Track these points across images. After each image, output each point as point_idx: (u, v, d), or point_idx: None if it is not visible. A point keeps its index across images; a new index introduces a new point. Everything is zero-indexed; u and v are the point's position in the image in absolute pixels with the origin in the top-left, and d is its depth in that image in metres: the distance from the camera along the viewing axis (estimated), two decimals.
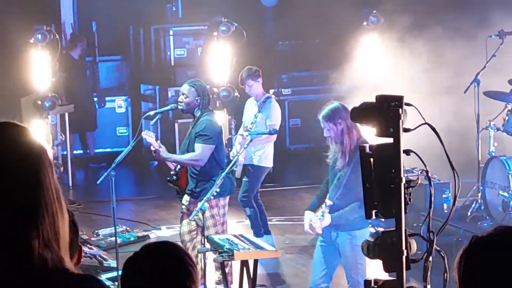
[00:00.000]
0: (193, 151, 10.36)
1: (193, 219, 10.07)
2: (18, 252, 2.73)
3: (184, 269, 3.68)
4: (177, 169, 10.50)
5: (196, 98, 10.44)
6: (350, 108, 6.47)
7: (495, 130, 12.38)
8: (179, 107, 10.66)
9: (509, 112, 12.22)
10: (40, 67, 14.33)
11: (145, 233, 13.04)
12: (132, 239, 12.49)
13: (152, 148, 10.36)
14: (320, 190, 9.56)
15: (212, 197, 10.05)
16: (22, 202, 2.74)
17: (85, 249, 10.47)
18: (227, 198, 10.62)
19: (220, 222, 10.39)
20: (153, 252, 3.77)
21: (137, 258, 3.73)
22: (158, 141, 10.35)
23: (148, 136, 10.40)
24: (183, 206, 10.52)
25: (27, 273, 2.72)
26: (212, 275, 10.34)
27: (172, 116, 13.57)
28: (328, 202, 9.04)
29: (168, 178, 10.68)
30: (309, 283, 9.49)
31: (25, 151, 2.80)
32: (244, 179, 12.23)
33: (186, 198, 10.43)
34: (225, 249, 8.84)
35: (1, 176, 2.75)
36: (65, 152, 16.22)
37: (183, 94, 10.54)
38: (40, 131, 14.27)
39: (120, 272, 10.32)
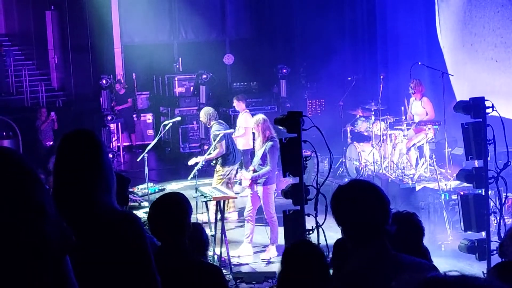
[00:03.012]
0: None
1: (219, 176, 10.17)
2: (91, 196, 2.71)
3: (185, 206, 3.58)
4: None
5: (207, 118, 10.25)
6: (273, 118, 6.53)
7: (351, 128, 12.46)
8: (205, 125, 10.65)
9: (357, 119, 12.32)
10: (104, 98, 14.34)
11: (163, 187, 12.95)
12: (156, 190, 12.42)
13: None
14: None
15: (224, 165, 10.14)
16: (91, 171, 2.73)
17: (130, 196, 10.42)
18: (231, 167, 10.24)
19: (224, 177, 10.18)
20: (166, 198, 3.65)
21: (157, 202, 3.61)
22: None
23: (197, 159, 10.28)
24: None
25: (95, 205, 2.71)
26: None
27: (177, 124, 13.47)
28: (251, 168, 8.98)
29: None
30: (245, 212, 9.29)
31: (90, 147, 2.79)
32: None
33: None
34: (208, 195, 8.84)
35: (81, 166, 2.75)
36: (119, 144, 16.17)
37: (201, 120, 10.53)
38: (103, 133, 14.37)
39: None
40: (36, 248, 2.00)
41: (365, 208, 2.72)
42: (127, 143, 16.78)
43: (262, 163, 8.93)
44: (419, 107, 11.29)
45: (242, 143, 11.68)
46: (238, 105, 11.74)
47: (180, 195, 3.71)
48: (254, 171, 9.01)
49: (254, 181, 9.02)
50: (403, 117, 11.40)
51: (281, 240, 8.06)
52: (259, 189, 9.00)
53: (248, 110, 11.86)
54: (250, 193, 9.21)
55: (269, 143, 8.93)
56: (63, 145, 2.82)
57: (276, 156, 8.87)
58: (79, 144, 2.80)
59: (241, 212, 10.12)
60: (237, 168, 10.50)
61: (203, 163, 10.00)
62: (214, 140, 10.17)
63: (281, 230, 6.94)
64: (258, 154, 8.99)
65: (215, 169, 10.36)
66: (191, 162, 10.38)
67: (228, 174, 10.30)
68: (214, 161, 10.35)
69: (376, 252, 2.67)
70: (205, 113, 10.42)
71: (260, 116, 9.23)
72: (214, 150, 10.21)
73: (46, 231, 2.02)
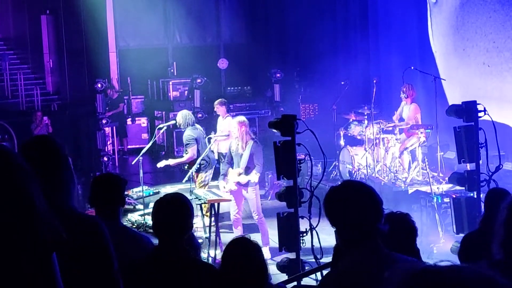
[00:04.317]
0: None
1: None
2: (46, 194, 2.67)
3: (188, 208, 3.60)
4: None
5: (184, 121, 9.94)
6: (267, 122, 6.53)
7: (344, 132, 12.48)
8: (179, 126, 10.33)
9: (350, 123, 12.34)
10: (99, 101, 14.20)
11: (157, 190, 12.86)
12: (151, 193, 12.37)
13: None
14: (223, 167, 9.28)
15: (200, 171, 9.95)
16: (50, 174, 2.68)
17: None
18: (208, 171, 10.11)
19: (204, 184, 10.08)
20: (172, 199, 3.62)
21: (163, 202, 3.60)
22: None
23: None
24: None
25: (59, 209, 2.60)
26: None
27: (171, 127, 13.45)
28: (240, 170, 8.91)
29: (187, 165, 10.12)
30: (230, 215, 9.28)
31: (50, 150, 2.78)
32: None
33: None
34: (202, 197, 8.83)
35: (43, 171, 2.67)
36: (114, 148, 16.11)
37: (176, 122, 10.18)
38: (98, 137, 14.25)
39: (144, 211, 10.34)
40: (27, 244, 1.97)
41: (358, 208, 2.72)
42: (119, 148, 16.70)
43: (250, 164, 8.91)
44: (408, 112, 11.33)
45: (225, 147, 11.69)
46: (221, 110, 11.68)
47: (184, 196, 3.71)
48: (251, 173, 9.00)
49: (244, 183, 8.97)
50: (396, 122, 11.47)
51: (273, 243, 8.09)
52: (249, 190, 8.96)
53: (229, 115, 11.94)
54: (232, 195, 9.11)
55: (253, 143, 8.95)
56: (22, 153, 2.78)
57: (262, 154, 8.92)
58: (38, 150, 2.78)
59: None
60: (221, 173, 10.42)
61: (197, 166, 9.97)
62: (186, 145, 10.06)
63: (275, 233, 6.95)
64: (245, 155, 8.92)
65: (194, 178, 10.25)
66: (160, 164, 10.17)
67: (208, 179, 10.25)
68: (186, 166, 10.21)
69: (368, 252, 2.67)
70: (183, 116, 10.14)
71: (244, 117, 9.21)
72: (185, 154, 10.11)
73: (36, 226, 2.00)
